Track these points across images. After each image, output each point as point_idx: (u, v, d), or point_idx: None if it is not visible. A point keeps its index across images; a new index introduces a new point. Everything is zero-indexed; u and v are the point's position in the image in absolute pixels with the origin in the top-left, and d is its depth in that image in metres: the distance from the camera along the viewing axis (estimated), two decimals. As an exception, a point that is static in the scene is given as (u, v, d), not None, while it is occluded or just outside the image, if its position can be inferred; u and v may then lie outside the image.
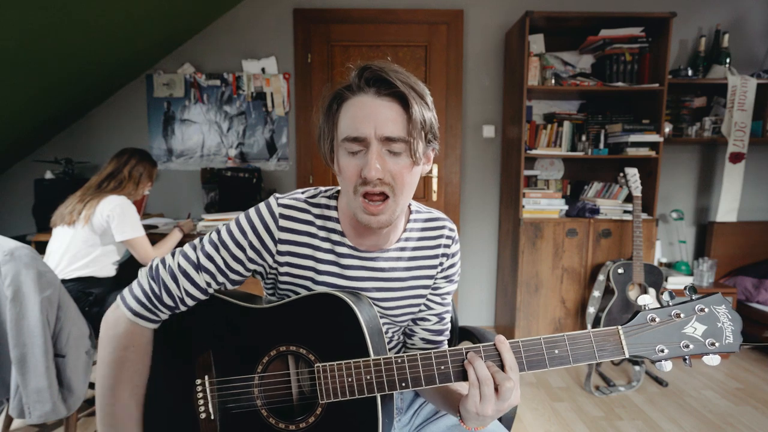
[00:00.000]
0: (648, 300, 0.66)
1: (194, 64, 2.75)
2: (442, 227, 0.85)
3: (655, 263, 2.55)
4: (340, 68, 2.81)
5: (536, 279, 2.51)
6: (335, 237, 0.78)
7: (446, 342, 0.91)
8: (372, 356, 0.70)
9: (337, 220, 0.78)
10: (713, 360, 0.65)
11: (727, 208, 2.64)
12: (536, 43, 2.61)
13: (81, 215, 1.78)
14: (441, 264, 0.85)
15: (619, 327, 0.65)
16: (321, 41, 2.78)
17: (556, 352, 0.66)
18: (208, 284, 0.75)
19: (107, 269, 1.87)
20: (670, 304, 0.66)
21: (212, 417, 0.74)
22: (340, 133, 0.69)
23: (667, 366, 0.66)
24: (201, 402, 0.75)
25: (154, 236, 2.10)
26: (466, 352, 0.67)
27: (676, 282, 2.54)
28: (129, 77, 2.72)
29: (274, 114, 2.81)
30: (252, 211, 0.77)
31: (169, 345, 0.78)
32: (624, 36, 2.48)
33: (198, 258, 0.75)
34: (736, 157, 2.59)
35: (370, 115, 0.66)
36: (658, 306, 0.66)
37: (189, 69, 2.75)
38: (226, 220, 2.24)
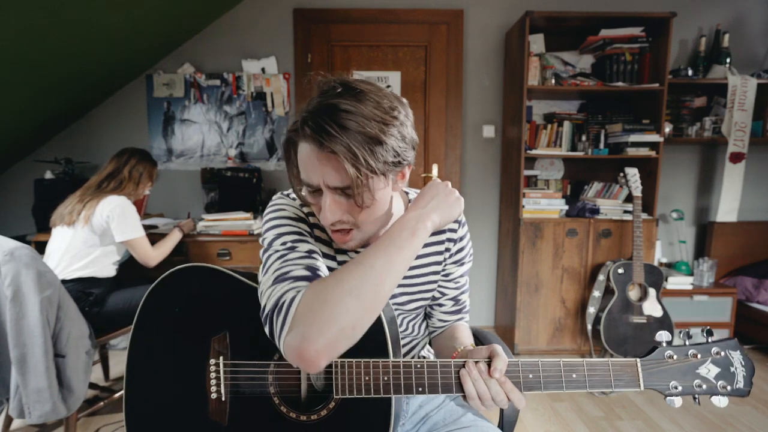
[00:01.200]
0: (666, 337, 0.68)
1: (194, 64, 2.75)
2: None
3: (655, 263, 2.55)
4: (340, 68, 2.81)
5: (536, 279, 2.51)
6: None
7: (467, 316, 0.95)
8: (390, 349, 0.70)
9: None
10: (722, 401, 0.67)
11: (727, 208, 2.64)
12: (536, 43, 2.61)
13: (80, 215, 1.78)
14: (448, 250, 0.87)
15: (638, 360, 0.67)
16: (321, 41, 2.78)
17: (574, 376, 0.67)
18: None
19: (107, 269, 1.87)
20: (688, 344, 0.68)
21: (223, 398, 0.75)
22: (300, 173, 0.69)
23: (678, 402, 0.67)
24: (213, 382, 0.75)
25: (154, 236, 2.10)
26: (489, 370, 0.67)
27: (676, 282, 2.54)
28: (129, 77, 2.72)
29: (274, 114, 2.81)
30: (274, 214, 0.77)
31: (186, 322, 0.78)
32: (624, 36, 2.48)
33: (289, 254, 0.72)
34: (736, 157, 2.59)
35: (315, 166, 0.65)
36: (679, 344, 0.69)
37: (189, 69, 2.75)
38: (226, 220, 2.25)
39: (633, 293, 2.27)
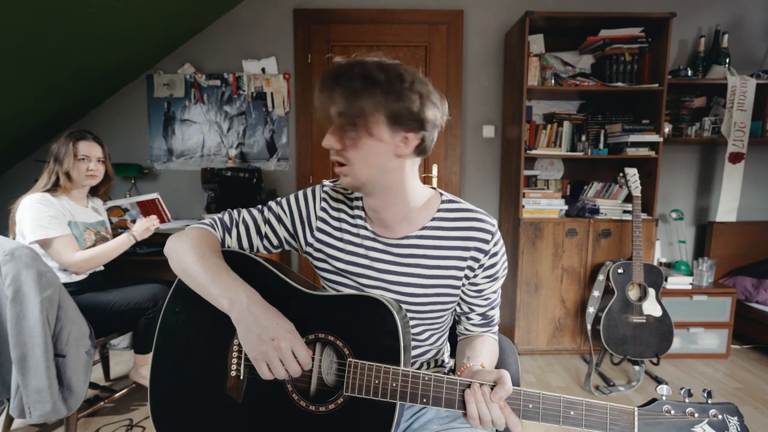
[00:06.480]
0: (666, 391, 0.68)
1: (194, 64, 2.76)
2: (477, 219, 0.85)
3: (655, 263, 2.55)
4: (340, 68, 2.81)
5: (536, 279, 2.51)
6: (360, 222, 0.88)
7: (495, 328, 0.95)
8: (402, 357, 0.74)
9: (362, 209, 0.88)
10: None
11: (726, 208, 2.64)
12: (536, 43, 2.61)
13: (14, 226, 1.69)
14: (475, 259, 0.84)
15: (636, 408, 0.67)
16: (321, 41, 2.78)
17: (572, 413, 0.68)
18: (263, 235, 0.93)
19: (60, 276, 1.73)
20: (687, 401, 0.67)
21: (241, 377, 0.80)
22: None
23: None
24: (235, 360, 0.80)
25: (157, 237, 2.08)
26: (491, 391, 0.69)
27: (676, 282, 2.54)
28: (129, 77, 2.72)
29: (274, 114, 2.81)
30: (299, 192, 0.93)
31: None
32: (624, 36, 2.49)
33: (261, 215, 0.93)
34: (735, 157, 2.59)
35: (326, 95, 0.77)
36: (679, 400, 0.68)
37: (189, 69, 2.75)
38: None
39: (632, 293, 2.27)
